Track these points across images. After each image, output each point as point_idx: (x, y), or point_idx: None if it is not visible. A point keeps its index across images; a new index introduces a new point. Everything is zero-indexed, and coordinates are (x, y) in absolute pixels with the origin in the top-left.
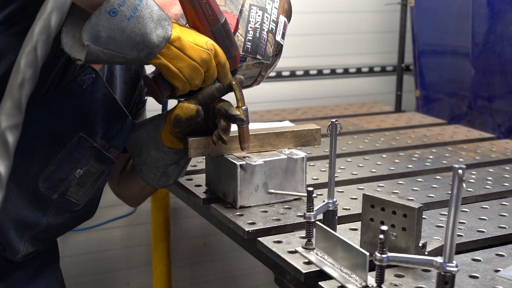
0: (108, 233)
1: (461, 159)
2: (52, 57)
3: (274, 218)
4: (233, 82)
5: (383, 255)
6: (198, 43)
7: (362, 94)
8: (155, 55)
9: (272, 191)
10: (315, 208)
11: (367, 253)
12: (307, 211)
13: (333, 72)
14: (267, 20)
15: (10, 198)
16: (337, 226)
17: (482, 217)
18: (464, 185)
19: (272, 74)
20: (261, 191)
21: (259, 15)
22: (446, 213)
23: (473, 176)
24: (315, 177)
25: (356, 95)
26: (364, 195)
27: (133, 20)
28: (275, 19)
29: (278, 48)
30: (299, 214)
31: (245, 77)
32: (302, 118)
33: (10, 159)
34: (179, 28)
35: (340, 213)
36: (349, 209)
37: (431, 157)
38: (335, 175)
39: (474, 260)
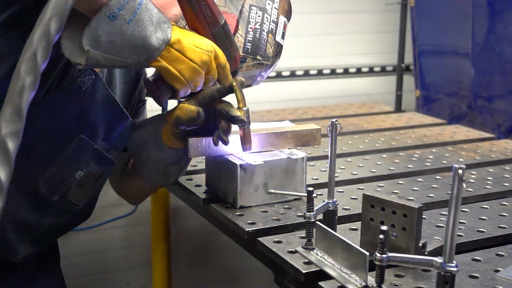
0: (108, 233)
1: (461, 159)
2: (52, 60)
3: (274, 218)
4: (234, 83)
5: (383, 255)
6: (198, 45)
7: (362, 94)
8: (155, 58)
9: (272, 191)
10: (315, 208)
11: (367, 253)
12: (307, 211)
13: (333, 72)
14: (267, 21)
15: (10, 200)
16: (337, 226)
17: (482, 217)
18: (464, 185)
19: (272, 74)
20: (261, 191)
21: (259, 16)
22: (446, 213)
23: (473, 176)
24: (315, 177)
25: (356, 95)
26: (364, 195)
27: (133, 24)
28: (275, 20)
29: (278, 48)
30: (299, 214)
31: (245, 77)
32: (302, 118)
33: (10, 165)
34: (179, 30)
35: (340, 213)
36: (349, 209)
37: (431, 157)
38: (335, 175)
39: (474, 260)
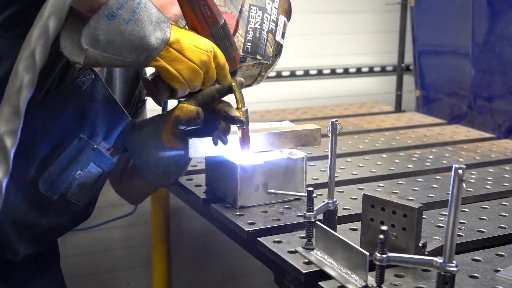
0: (108, 233)
1: (461, 159)
2: (51, 60)
3: (274, 218)
4: (233, 84)
5: (383, 255)
6: (197, 45)
7: (362, 94)
8: (154, 58)
9: (272, 191)
10: (315, 208)
11: (367, 253)
12: (307, 211)
13: (333, 72)
14: (267, 20)
15: (10, 199)
16: (337, 226)
17: (482, 217)
18: (464, 185)
19: (272, 74)
20: (261, 191)
21: (259, 15)
22: (446, 213)
23: (473, 176)
24: (315, 177)
25: (356, 95)
26: (364, 195)
27: (132, 23)
28: (275, 19)
29: (278, 48)
30: (299, 214)
31: (245, 77)
32: (302, 118)
33: (8, 164)
34: (178, 30)
35: (340, 213)
36: (349, 209)
37: (431, 157)
38: (335, 175)
39: (474, 260)
